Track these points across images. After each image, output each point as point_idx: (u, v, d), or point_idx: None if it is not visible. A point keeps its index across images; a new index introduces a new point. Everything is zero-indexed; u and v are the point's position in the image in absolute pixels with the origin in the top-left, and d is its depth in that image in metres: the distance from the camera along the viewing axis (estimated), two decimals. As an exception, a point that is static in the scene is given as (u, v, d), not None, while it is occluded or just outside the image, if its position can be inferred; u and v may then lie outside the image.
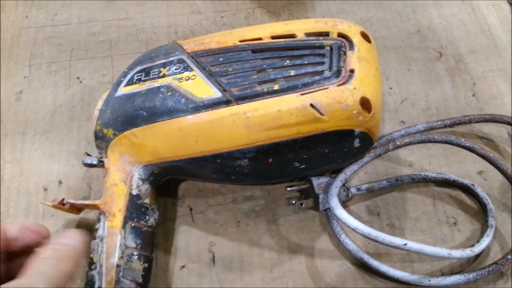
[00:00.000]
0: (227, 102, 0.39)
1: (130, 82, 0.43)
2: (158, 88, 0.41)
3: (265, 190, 0.50)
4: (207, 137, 0.40)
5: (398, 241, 0.42)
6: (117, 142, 0.42)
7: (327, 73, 0.40)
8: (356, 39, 0.42)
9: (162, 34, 0.59)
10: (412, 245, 0.42)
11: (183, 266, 0.45)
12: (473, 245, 0.45)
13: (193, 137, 0.40)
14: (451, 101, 0.56)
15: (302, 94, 0.38)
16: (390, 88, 0.56)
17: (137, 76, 0.43)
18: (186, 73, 0.41)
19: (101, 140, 0.43)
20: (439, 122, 0.52)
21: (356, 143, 0.41)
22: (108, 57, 0.57)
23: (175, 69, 0.42)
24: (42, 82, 0.55)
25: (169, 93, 0.40)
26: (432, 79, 0.57)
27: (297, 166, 0.42)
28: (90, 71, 0.56)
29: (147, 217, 0.42)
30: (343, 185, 0.47)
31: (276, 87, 0.39)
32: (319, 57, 0.41)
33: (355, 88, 0.39)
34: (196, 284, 0.45)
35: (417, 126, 0.52)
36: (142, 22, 0.60)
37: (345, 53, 0.41)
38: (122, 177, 0.42)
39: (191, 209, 0.48)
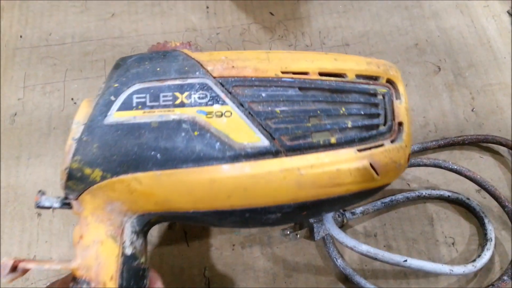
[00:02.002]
0: (275, 153, 0.33)
1: (127, 106, 0.33)
2: (178, 122, 0.32)
3: (261, 211, 0.49)
4: (246, 192, 0.33)
5: (397, 258, 0.42)
6: (107, 187, 0.32)
7: (382, 128, 0.36)
8: (402, 87, 0.37)
9: (156, 52, 0.58)
10: (413, 262, 0.42)
11: (178, 292, 0.45)
12: (474, 260, 0.44)
13: (227, 191, 0.32)
14: (449, 116, 0.55)
15: (359, 150, 0.34)
16: (387, 105, 0.55)
17: (139, 98, 0.33)
18: (217, 107, 0.33)
19: (78, 182, 0.32)
20: (433, 143, 0.51)
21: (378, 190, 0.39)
22: (102, 77, 0.56)
23: (199, 98, 0.33)
24: (36, 104, 0.54)
25: (196, 132, 0.32)
26: (430, 94, 0.56)
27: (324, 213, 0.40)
28: (84, 91, 0.55)
29: (145, 281, 0.34)
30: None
31: (333, 140, 0.34)
32: (375, 108, 0.36)
33: (406, 146, 0.36)
34: (190, 310, 0.45)
35: (412, 147, 0.51)
36: (136, 40, 0.59)
37: (393, 103, 0.37)
38: (109, 231, 0.33)
39: (185, 233, 0.48)
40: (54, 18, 0.60)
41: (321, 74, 0.36)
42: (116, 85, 0.33)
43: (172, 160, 0.32)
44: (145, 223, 0.34)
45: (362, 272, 0.46)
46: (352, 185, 0.34)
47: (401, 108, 0.36)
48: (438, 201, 0.50)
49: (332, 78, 0.36)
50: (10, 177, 0.50)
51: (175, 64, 0.34)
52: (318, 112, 0.34)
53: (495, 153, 0.53)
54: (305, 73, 0.35)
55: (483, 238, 0.47)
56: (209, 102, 0.33)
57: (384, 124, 0.36)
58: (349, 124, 0.35)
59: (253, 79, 0.34)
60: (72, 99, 0.55)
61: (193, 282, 0.46)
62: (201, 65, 0.34)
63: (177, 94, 0.33)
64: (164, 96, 0.33)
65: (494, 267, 0.47)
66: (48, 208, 0.34)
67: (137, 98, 0.33)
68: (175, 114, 0.32)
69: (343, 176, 0.33)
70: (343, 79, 0.36)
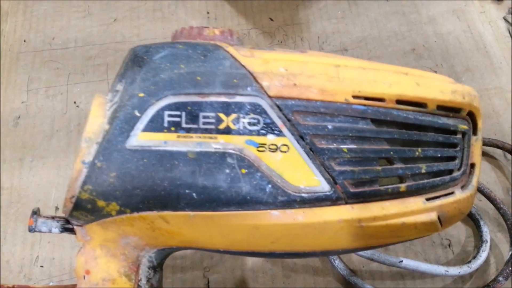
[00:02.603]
0: (335, 200, 0.27)
1: (157, 126, 0.25)
2: (222, 155, 0.26)
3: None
4: (294, 240, 0.28)
5: (393, 259, 0.43)
6: (123, 222, 0.26)
7: (456, 173, 0.30)
8: (480, 121, 0.32)
9: (158, 56, 0.59)
10: (408, 262, 0.43)
11: (178, 292, 0.46)
12: (469, 261, 0.45)
13: (272, 238, 0.28)
14: (446, 120, 0.56)
15: (427, 199, 0.29)
16: (385, 109, 0.56)
17: (172, 116, 0.25)
18: (272, 138, 0.26)
19: (87, 213, 0.26)
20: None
21: None
22: (105, 81, 0.57)
23: (250, 124, 0.26)
24: (39, 107, 0.55)
25: (244, 170, 0.26)
26: (427, 99, 0.57)
27: None
28: (86, 95, 0.56)
29: None
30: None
31: (402, 188, 0.28)
32: (452, 149, 0.30)
33: (475, 193, 0.31)
34: (190, 310, 0.45)
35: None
36: (138, 44, 0.60)
37: (469, 139, 0.31)
38: (123, 268, 0.27)
39: (186, 234, 0.49)
40: (57, 23, 0.61)
41: (399, 102, 0.29)
42: (141, 94, 0.26)
43: (211, 202, 0.26)
44: (165, 256, 0.30)
45: (359, 273, 0.47)
46: (411, 236, 0.30)
47: (476, 146, 0.31)
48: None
49: (410, 108, 0.29)
50: (13, 178, 0.51)
51: (221, 73, 0.27)
52: (391, 153, 0.28)
53: (490, 157, 0.54)
54: (381, 100, 0.28)
55: (479, 240, 0.47)
56: (262, 131, 0.26)
57: (459, 169, 0.30)
58: (423, 169, 0.29)
59: (318, 103, 0.27)
60: (74, 102, 0.56)
61: (193, 282, 0.46)
62: (254, 77, 0.27)
63: (222, 115, 0.26)
64: (204, 117, 0.26)
65: (490, 269, 0.48)
66: (45, 232, 0.28)
67: (169, 116, 0.26)
68: (218, 143, 0.26)
69: (407, 230, 0.29)
70: (422, 109, 0.29)
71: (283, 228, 0.27)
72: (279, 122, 0.26)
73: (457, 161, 0.30)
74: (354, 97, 0.28)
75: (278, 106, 0.26)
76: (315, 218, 0.27)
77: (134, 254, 0.27)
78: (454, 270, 0.44)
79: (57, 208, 0.50)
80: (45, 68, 0.58)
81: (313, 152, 0.26)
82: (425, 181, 0.29)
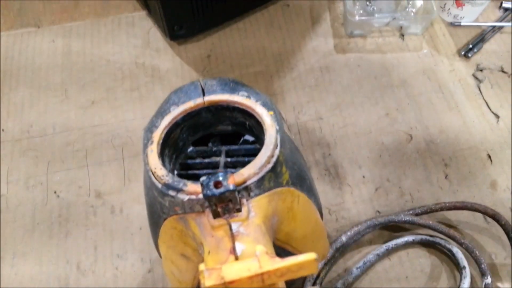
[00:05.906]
0: None
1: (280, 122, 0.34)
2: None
3: None
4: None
5: None
6: (282, 194, 0.29)
7: None
8: None
9: (137, 137, 0.60)
10: None
11: None
12: None
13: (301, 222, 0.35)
14: (424, 185, 0.57)
15: None
16: (363, 177, 0.57)
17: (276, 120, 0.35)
18: None
19: (273, 178, 0.28)
20: (410, 212, 0.52)
21: None
22: (84, 167, 0.57)
23: None
24: (19, 200, 0.55)
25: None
26: (404, 164, 0.58)
27: None
28: (66, 183, 0.56)
29: None
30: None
31: None
32: None
33: None
34: None
35: (388, 218, 0.52)
36: (116, 126, 0.61)
37: None
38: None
39: (172, 326, 0.48)
40: (35, 109, 0.62)
41: None
42: (268, 101, 0.35)
43: (311, 190, 0.33)
44: None
45: None
46: None
47: None
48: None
49: None
50: (-5, 278, 0.51)
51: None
52: None
53: (471, 220, 0.54)
54: None
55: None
56: None
57: None
58: None
59: None
60: (55, 192, 0.56)
61: None
62: None
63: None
64: (284, 120, 0.37)
65: None
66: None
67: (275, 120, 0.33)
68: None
69: None
70: None
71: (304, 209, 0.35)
72: None
73: None
74: None
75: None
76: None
77: (271, 239, 0.28)
78: None
79: (41, 306, 0.49)
80: (24, 157, 0.58)
81: None
82: None
